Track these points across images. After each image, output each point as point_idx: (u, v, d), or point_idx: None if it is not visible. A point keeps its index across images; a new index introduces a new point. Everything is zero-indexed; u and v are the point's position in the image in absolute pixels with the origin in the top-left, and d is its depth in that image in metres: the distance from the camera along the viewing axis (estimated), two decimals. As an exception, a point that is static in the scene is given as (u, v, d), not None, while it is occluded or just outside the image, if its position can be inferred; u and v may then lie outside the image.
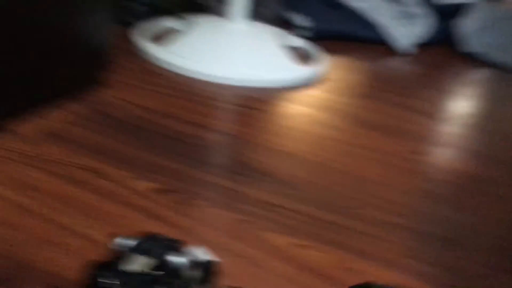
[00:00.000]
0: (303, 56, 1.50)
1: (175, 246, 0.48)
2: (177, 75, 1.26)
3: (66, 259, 0.61)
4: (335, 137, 1.07)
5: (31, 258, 0.60)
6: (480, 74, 1.73)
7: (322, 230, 0.76)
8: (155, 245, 0.47)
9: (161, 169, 0.84)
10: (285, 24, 1.79)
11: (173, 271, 0.45)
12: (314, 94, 1.29)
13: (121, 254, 0.47)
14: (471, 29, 1.83)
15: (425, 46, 1.79)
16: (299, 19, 1.74)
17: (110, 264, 0.45)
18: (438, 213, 0.86)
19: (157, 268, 0.45)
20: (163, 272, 0.45)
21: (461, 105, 1.49)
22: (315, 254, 0.70)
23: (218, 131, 1.02)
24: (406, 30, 1.78)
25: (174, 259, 0.47)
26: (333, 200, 0.84)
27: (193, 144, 0.95)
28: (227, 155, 0.94)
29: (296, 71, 1.36)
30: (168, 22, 1.55)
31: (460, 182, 0.98)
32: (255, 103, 1.18)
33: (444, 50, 1.83)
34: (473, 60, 1.77)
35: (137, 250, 0.47)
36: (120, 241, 0.49)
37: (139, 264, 0.45)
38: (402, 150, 1.07)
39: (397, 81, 1.51)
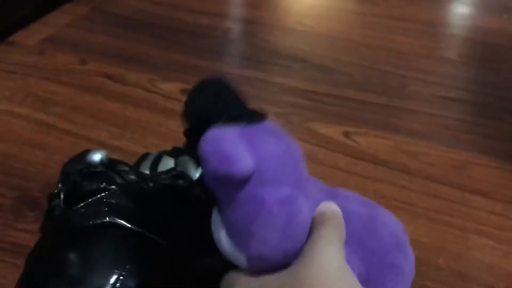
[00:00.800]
0: None
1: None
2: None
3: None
4: (361, 10, 0.97)
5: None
6: None
7: (370, 114, 0.69)
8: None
9: (186, 68, 0.76)
10: None
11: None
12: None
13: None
14: None
15: None
16: None
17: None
18: (487, 79, 0.79)
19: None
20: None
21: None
22: (367, 141, 0.64)
23: (235, 18, 0.93)
24: None
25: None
26: (375, 80, 0.77)
27: (212, 36, 0.85)
28: (252, 43, 0.85)
29: None
30: None
31: (500, 43, 0.89)
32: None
33: None
34: None
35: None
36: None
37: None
38: (435, 17, 0.97)
39: None
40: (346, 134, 0.65)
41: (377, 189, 0.56)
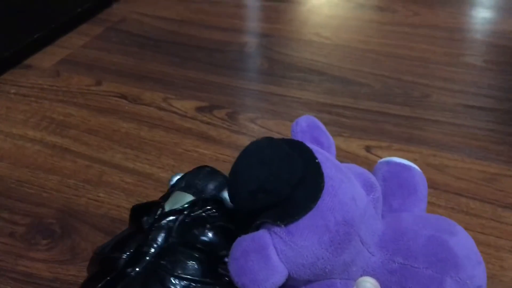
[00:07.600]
0: None
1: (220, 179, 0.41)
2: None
3: (117, 199, 0.54)
4: (379, 19, 0.95)
5: (76, 202, 0.54)
6: None
7: (393, 127, 0.66)
8: (198, 179, 0.39)
9: (201, 85, 0.75)
10: None
11: (216, 204, 0.38)
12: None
13: (167, 193, 0.40)
14: None
15: None
16: None
17: (152, 205, 0.38)
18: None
19: (200, 202, 0.38)
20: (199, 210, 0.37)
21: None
22: (391, 155, 0.61)
23: (250, 32, 0.91)
24: None
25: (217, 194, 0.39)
26: (396, 90, 0.74)
27: (226, 51, 0.84)
28: (268, 57, 0.83)
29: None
30: None
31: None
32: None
33: None
34: None
35: (179, 187, 0.39)
36: (173, 177, 0.41)
37: (182, 201, 0.38)
38: (457, 22, 0.94)
39: None
40: (368, 149, 0.62)
41: (403, 206, 0.53)
